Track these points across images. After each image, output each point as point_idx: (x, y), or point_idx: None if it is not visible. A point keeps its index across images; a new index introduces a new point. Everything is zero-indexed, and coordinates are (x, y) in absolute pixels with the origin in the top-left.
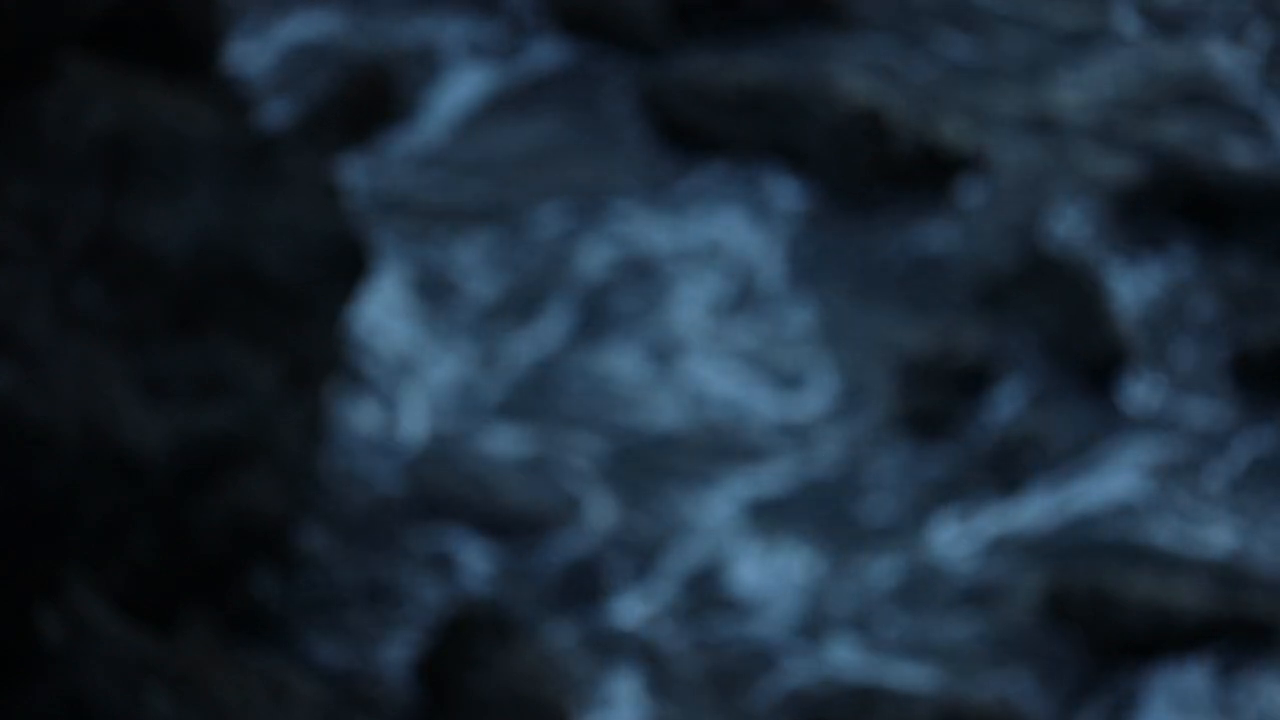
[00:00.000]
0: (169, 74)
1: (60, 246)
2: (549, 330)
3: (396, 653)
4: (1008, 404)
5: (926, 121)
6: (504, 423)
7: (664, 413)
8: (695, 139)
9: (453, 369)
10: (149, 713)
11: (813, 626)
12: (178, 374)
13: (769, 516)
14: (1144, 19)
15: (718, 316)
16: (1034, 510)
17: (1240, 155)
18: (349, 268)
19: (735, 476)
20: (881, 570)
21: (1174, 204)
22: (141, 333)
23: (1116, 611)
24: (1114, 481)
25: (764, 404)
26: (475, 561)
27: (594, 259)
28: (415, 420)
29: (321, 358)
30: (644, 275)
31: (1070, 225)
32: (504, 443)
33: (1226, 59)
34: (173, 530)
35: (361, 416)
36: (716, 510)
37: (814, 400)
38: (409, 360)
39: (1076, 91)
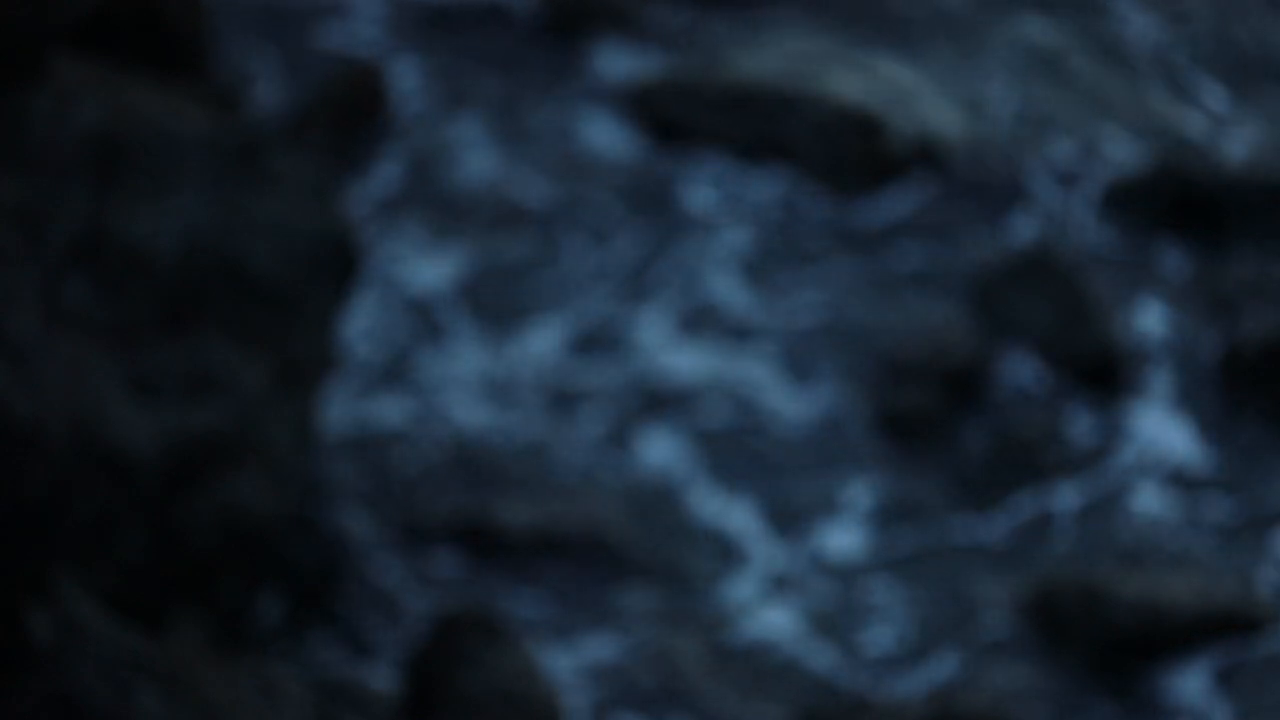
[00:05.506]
0: (158, 72)
1: (48, 245)
2: (542, 333)
3: (386, 652)
4: (999, 403)
5: (917, 119)
6: (499, 421)
7: (648, 411)
8: (683, 136)
9: (446, 367)
10: (138, 711)
11: (803, 630)
12: (167, 373)
13: (756, 518)
14: (1140, 21)
15: (703, 315)
16: (1024, 509)
17: (1233, 152)
18: (339, 266)
19: (723, 477)
20: (870, 572)
21: (1167, 201)
22: (130, 331)
23: (1109, 611)
24: (1105, 480)
25: (753, 404)
26: (467, 562)
27: (583, 258)
28: (406, 419)
29: (312, 356)
30: (631, 274)
31: (1063, 223)
32: (498, 442)
33: (1217, 58)
34: (162, 529)
35: (351, 414)
36: (700, 511)
37: (801, 400)
38: (399, 358)
39: (1068, 89)
